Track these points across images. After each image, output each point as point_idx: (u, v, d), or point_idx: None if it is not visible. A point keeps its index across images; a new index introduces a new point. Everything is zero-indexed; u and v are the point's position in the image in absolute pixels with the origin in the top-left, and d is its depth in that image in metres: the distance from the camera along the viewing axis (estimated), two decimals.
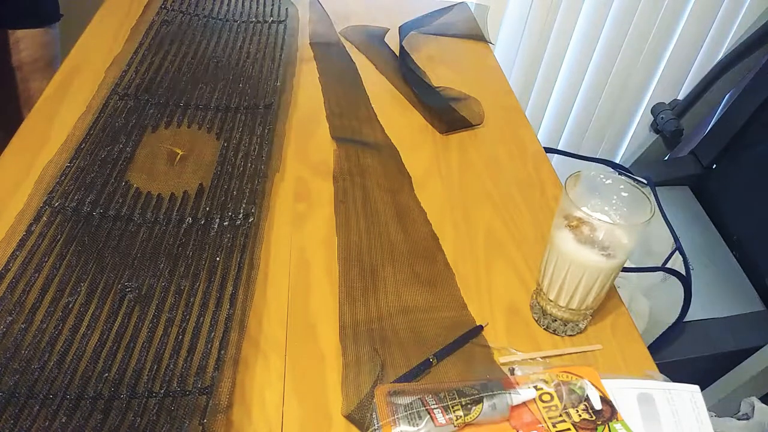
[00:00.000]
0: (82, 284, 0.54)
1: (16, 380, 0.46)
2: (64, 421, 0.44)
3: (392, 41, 0.98)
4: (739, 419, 1.01)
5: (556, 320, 0.55)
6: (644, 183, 0.86)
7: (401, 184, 0.71)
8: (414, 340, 0.53)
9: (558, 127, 1.70)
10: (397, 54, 0.94)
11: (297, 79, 0.87)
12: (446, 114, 0.83)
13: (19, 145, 0.69)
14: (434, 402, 0.45)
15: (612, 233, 0.50)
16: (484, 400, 0.45)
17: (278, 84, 0.84)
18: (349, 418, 0.47)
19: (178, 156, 0.70)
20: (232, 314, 0.53)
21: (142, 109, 0.76)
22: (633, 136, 1.74)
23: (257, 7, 1.02)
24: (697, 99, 1.44)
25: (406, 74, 0.89)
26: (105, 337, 0.50)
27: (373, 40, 0.98)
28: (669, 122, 1.45)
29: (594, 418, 0.47)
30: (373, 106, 0.84)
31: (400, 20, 1.01)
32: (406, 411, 0.44)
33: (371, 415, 0.46)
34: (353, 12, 1.06)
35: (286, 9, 1.02)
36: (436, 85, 0.89)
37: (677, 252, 0.99)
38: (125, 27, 0.92)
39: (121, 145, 0.70)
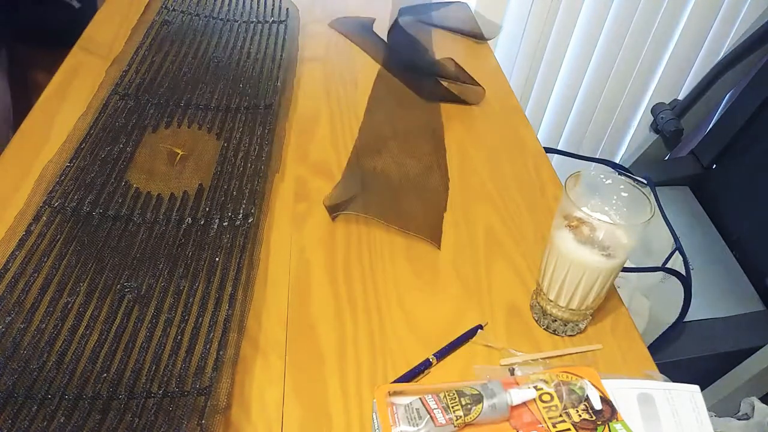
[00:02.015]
0: (81, 284, 0.54)
1: (15, 380, 0.46)
2: (62, 421, 0.44)
3: (382, 33, 0.98)
4: (739, 419, 1.00)
5: (556, 320, 0.55)
6: (644, 183, 0.86)
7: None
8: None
9: (558, 127, 1.69)
10: (386, 40, 0.94)
11: (297, 80, 0.87)
12: (434, 86, 0.82)
13: (19, 145, 0.69)
14: (434, 402, 0.45)
15: (612, 233, 0.50)
16: (484, 400, 0.45)
17: (278, 84, 0.84)
18: (329, 208, 0.61)
19: (178, 156, 0.70)
20: (231, 315, 0.53)
21: (143, 109, 0.76)
22: (633, 136, 1.73)
23: (257, 7, 1.01)
24: (697, 99, 1.43)
25: (397, 46, 0.89)
26: (104, 337, 0.50)
27: (363, 30, 0.98)
28: (669, 122, 1.45)
29: (594, 418, 0.47)
30: (370, 102, 0.83)
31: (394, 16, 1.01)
32: (406, 411, 0.44)
33: (372, 415, 0.46)
34: (347, 8, 1.05)
35: (287, 9, 1.02)
36: (438, 58, 0.89)
37: (677, 252, 0.99)
38: (125, 27, 0.92)
39: (121, 145, 0.70)
